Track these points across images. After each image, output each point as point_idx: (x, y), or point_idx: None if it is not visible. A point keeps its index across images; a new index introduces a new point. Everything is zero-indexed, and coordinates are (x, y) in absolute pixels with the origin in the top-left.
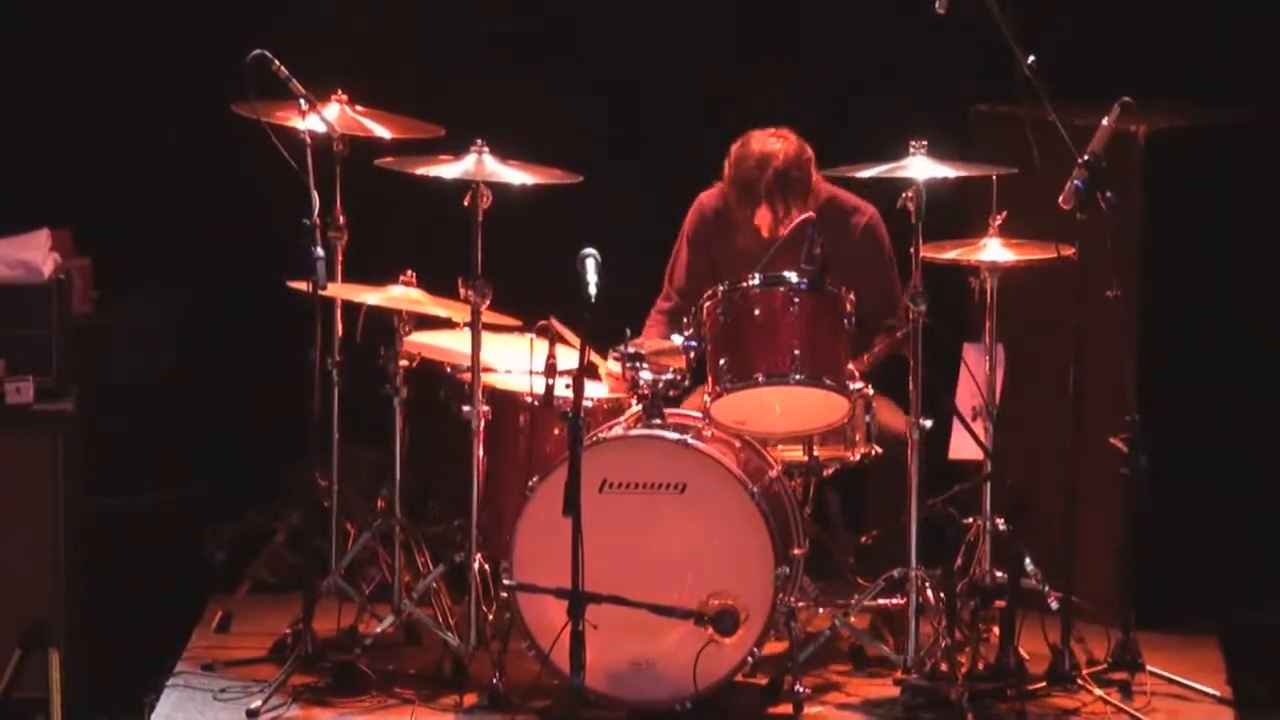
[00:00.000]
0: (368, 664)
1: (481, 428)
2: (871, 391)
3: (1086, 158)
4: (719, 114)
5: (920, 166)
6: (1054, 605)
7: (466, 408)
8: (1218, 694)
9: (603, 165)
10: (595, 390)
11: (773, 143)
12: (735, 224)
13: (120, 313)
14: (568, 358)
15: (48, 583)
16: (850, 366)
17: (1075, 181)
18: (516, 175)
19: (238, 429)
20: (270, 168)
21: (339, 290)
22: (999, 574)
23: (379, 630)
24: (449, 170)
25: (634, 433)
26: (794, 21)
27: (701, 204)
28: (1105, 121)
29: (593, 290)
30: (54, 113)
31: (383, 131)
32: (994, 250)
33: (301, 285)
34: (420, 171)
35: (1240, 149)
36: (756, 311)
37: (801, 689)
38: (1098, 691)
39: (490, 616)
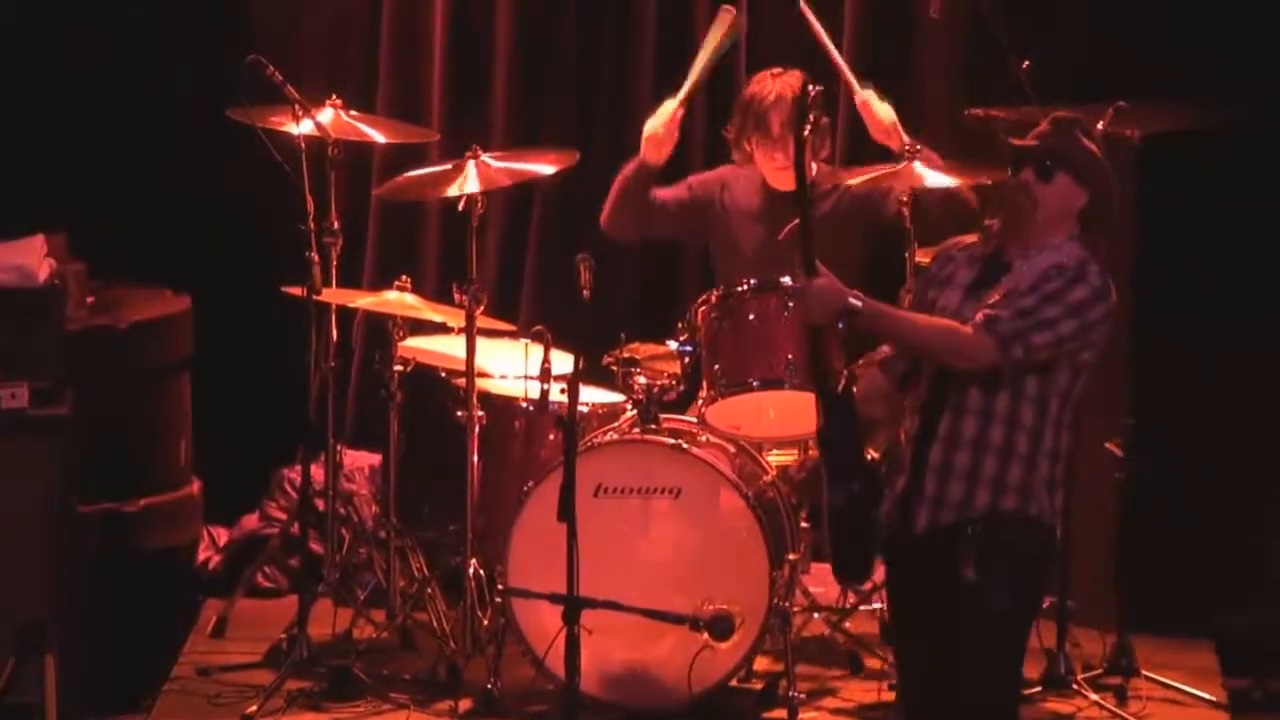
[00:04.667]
0: (363, 669)
1: (476, 433)
2: None
3: None
4: (717, 115)
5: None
6: (1048, 609)
7: (461, 413)
8: (1213, 699)
9: (599, 168)
10: (592, 395)
11: (788, 80)
12: (738, 191)
13: (115, 317)
14: (562, 363)
15: (42, 587)
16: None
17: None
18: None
19: (233, 433)
20: (265, 173)
21: (333, 295)
22: None
23: (374, 635)
24: (448, 181)
25: (629, 438)
26: (790, 24)
27: (707, 175)
28: (1100, 126)
29: (587, 294)
30: (50, 117)
31: (377, 136)
32: None
33: (296, 290)
34: (416, 173)
35: (1236, 154)
36: (751, 316)
37: (796, 694)
38: (1093, 696)
39: (485, 621)
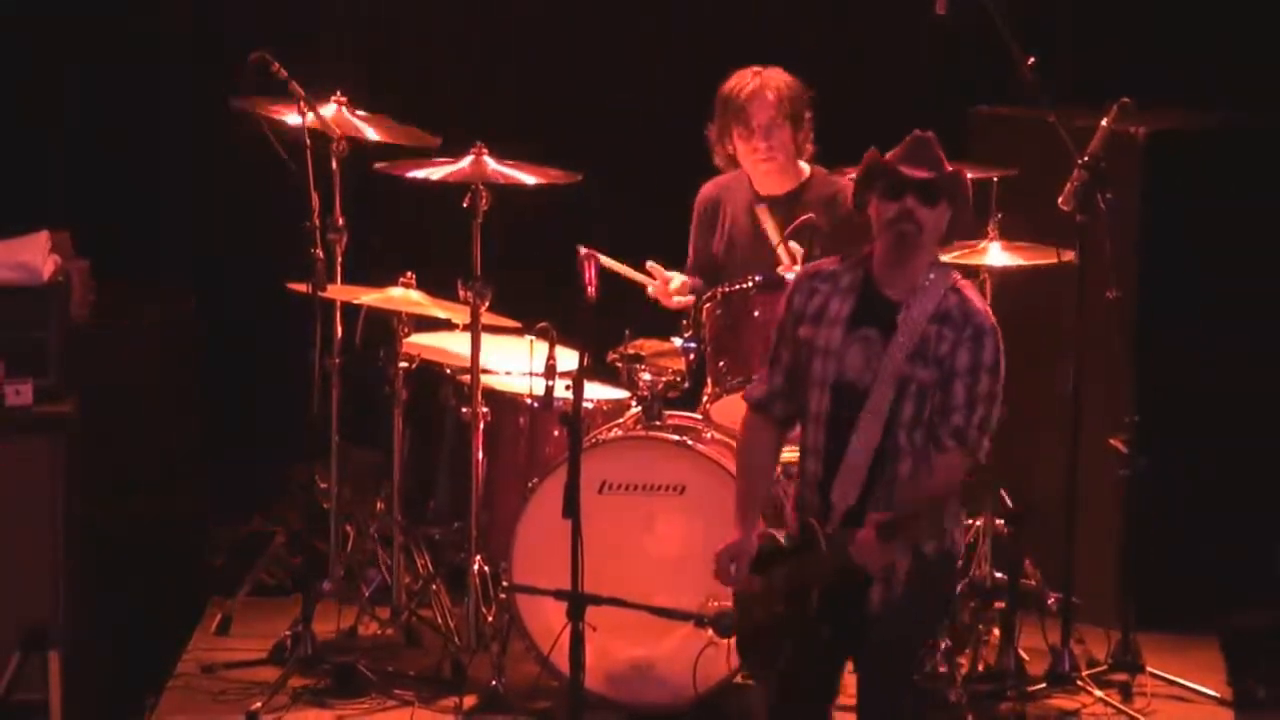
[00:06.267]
0: (367, 666)
1: (481, 429)
2: None
3: (1086, 159)
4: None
5: None
6: (1053, 606)
7: (466, 409)
8: (1218, 695)
9: (602, 165)
10: (596, 391)
11: (767, 74)
12: (731, 194)
13: (119, 314)
14: (567, 359)
15: (47, 585)
16: None
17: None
18: (517, 175)
19: (237, 431)
20: (270, 169)
21: (338, 292)
22: (998, 575)
23: (379, 632)
24: (446, 170)
25: (633, 434)
26: (792, 21)
27: (702, 193)
28: (1104, 123)
29: (592, 290)
30: (53, 115)
31: (380, 135)
32: (994, 254)
33: (301, 287)
34: (419, 175)
35: (1240, 151)
36: (755, 313)
37: None
38: (1098, 693)
39: (490, 618)
